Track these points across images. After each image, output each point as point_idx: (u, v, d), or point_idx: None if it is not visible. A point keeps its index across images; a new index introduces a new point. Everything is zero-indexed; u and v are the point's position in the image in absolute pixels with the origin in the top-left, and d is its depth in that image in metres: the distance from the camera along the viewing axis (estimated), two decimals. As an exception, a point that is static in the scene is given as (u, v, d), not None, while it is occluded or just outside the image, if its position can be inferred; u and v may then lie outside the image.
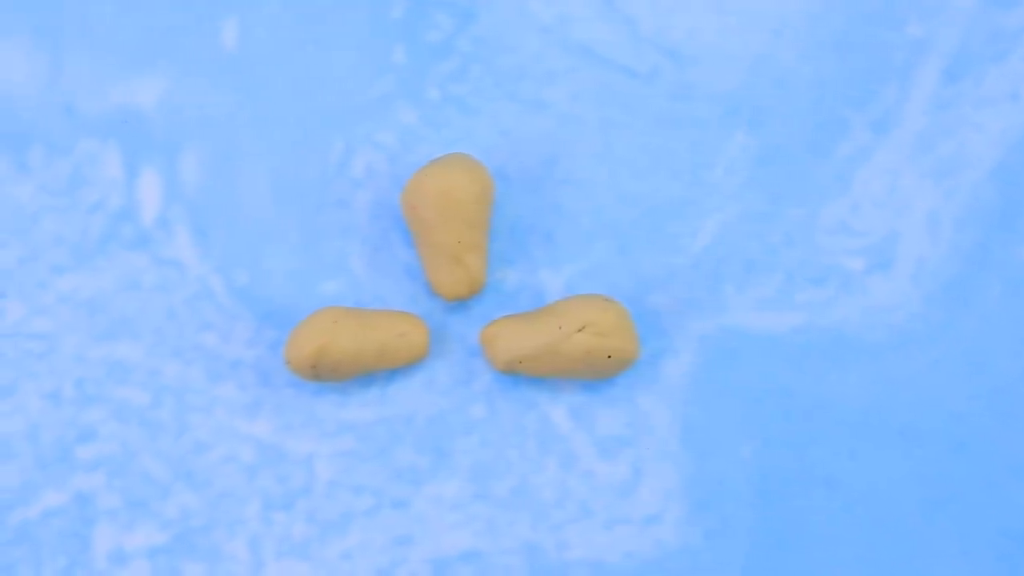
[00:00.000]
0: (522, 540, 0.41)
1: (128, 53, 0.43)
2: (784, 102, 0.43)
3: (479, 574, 0.41)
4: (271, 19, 0.43)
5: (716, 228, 0.42)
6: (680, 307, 0.42)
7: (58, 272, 0.42)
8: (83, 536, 0.41)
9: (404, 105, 0.43)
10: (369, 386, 0.42)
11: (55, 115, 0.43)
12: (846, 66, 0.43)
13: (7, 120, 0.43)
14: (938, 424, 0.41)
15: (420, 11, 0.43)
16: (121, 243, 0.42)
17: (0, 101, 0.43)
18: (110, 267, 0.42)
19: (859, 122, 0.43)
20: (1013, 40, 0.44)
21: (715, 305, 0.42)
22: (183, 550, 0.41)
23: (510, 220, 0.42)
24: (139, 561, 0.41)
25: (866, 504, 0.41)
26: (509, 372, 0.41)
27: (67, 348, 0.42)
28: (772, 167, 0.43)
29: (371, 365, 0.40)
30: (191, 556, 0.41)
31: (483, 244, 0.41)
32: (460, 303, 0.42)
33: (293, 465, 0.41)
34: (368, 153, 0.43)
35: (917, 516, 0.41)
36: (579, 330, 0.40)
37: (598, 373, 0.40)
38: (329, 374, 0.40)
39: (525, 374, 0.41)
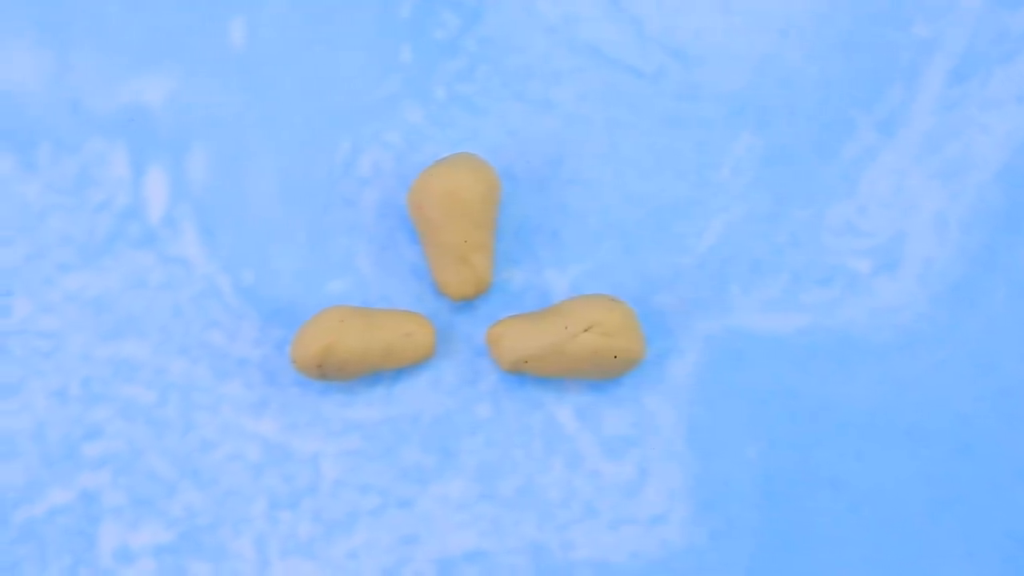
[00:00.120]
0: (528, 540, 0.41)
1: (135, 52, 0.43)
2: (790, 102, 0.43)
3: (484, 574, 0.41)
4: (278, 18, 0.43)
5: (722, 228, 0.42)
6: (686, 307, 0.42)
7: (65, 270, 0.42)
8: (89, 534, 0.41)
9: (411, 105, 0.43)
10: (375, 385, 0.42)
11: (62, 114, 0.43)
12: (852, 67, 0.43)
13: (14, 118, 0.43)
14: (944, 425, 0.41)
15: (427, 11, 0.43)
16: (128, 242, 0.42)
17: (7, 99, 0.43)
18: (117, 265, 0.42)
19: (865, 123, 0.43)
20: (1020, 41, 0.44)
21: (721, 305, 0.42)
22: (189, 548, 0.41)
23: (516, 220, 0.42)
24: (145, 559, 0.41)
25: (872, 505, 0.41)
26: (515, 372, 0.41)
27: (74, 346, 0.42)
28: (778, 167, 0.43)
29: (377, 364, 0.40)
30: (197, 554, 0.41)
31: (489, 244, 0.41)
32: (466, 303, 0.42)
33: (299, 464, 0.41)
34: (375, 152, 0.43)
35: (923, 517, 0.41)
36: (585, 330, 0.40)
37: (604, 373, 0.40)
38: (335, 373, 0.40)
39: (531, 374, 0.41)
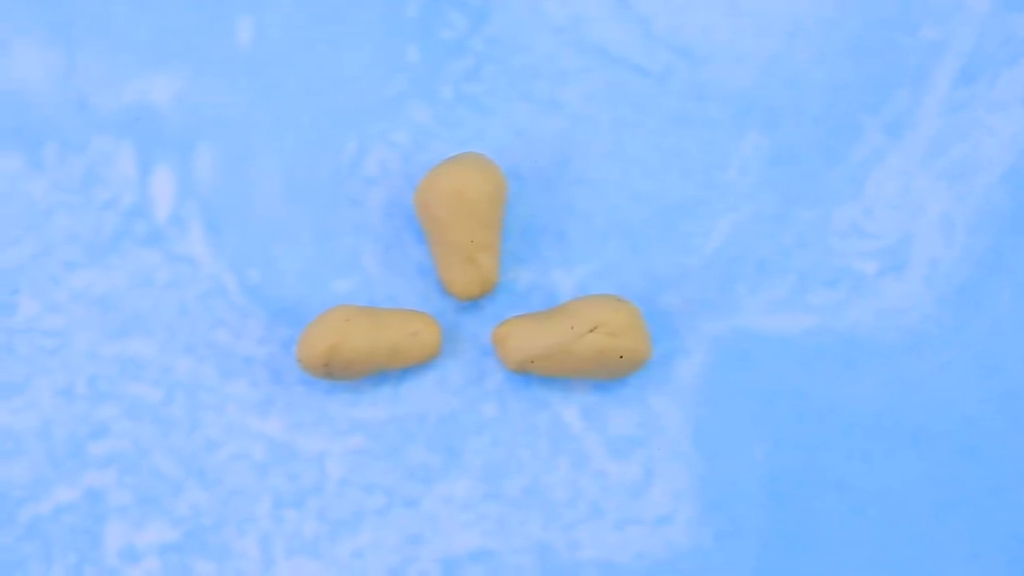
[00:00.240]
0: (533, 540, 0.41)
1: (142, 51, 0.43)
2: (798, 103, 0.43)
3: (490, 574, 0.41)
4: (286, 18, 0.43)
5: (729, 229, 0.42)
6: (692, 308, 0.42)
7: (71, 269, 0.42)
8: (94, 532, 0.41)
9: (418, 104, 0.43)
10: (381, 385, 0.42)
11: (69, 112, 0.43)
12: (860, 68, 0.43)
13: (22, 117, 0.43)
14: (950, 426, 0.41)
15: (434, 10, 0.44)
16: (134, 240, 0.42)
17: (15, 98, 0.43)
18: (123, 264, 0.42)
19: (872, 125, 0.43)
20: (1027, 43, 0.44)
21: (727, 306, 0.42)
22: (194, 547, 0.41)
23: (523, 220, 0.42)
24: (150, 558, 0.41)
25: (877, 506, 0.41)
26: (521, 372, 0.41)
27: (80, 344, 0.42)
28: (785, 168, 0.43)
29: (383, 364, 0.40)
30: (202, 553, 0.41)
31: (496, 243, 0.41)
32: (472, 302, 0.42)
33: (304, 463, 0.41)
34: (381, 152, 0.43)
35: (928, 519, 0.41)
36: (591, 330, 0.40)
37: (610, 373, 0.40)
38: (341, 372, 0.40)
39: (537, 374, 0.41)
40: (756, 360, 0.42)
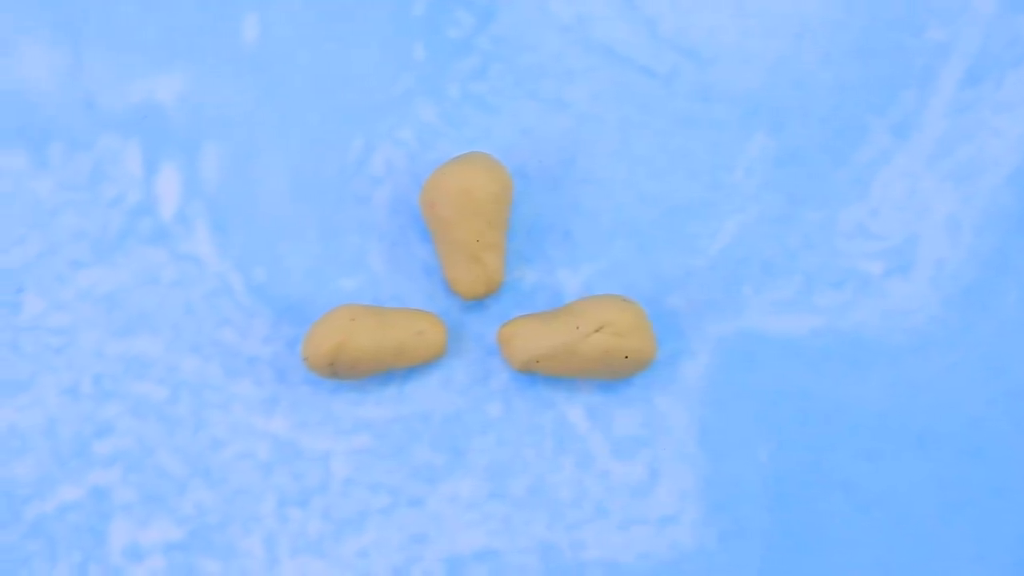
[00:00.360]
0: (537, 540, 0.41)
1: (149, 49, 0.43)
2: (804, 105, 0.43)
3: (494, 573, 0.41)
4: (292, 16, 0.43)
5: (735, 230, 0.42)
6: (698, 308, 0.42)
7: (77, 267, 0.42)
8: (99, 531, 0.41)
9: (424, 103, 0.43)
10: (386, 384, 0.42)
11: (75, 111, 0.43)
12: (866, 70, 0.43)
13: (28, 115, 0.43)
14: (956, 428, 0.41)
15: (441, 9, 0.44)
16: (140, 239, 0.42)
17: (21, 97, 0.43)
18: (129, 262, 0.42)
19: (879, 126, 0.43)
20: (1034, 45, 0.44)
21: (733, 307, 0.42)
22: (198, 546, 0.41)
23: (529, 219, 0.42)
24: (154, 557, 0.41)
25: (883, 507, 0.41)
26: (526, 371, 0.41)
27: (85, 343, 0.42)
28: (791, 169, 0.43)
29: (388, 363, 0.40)
30: (206, 552, 0.41)
31: (501, 243, 0.41)
32: (478, 302, 0.42)
33: (309, 462, 0.41)
34: (387, 150, 0.43)
35: (934, 520, 0.41)
36: (596, 330, 0.40)
37: (615, 373, 0.40)
38: (346, 372, 0.40)
39: (542, 373, 0.41)
40: (762, 361, 0.42)
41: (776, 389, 0.41)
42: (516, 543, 0.41)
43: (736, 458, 0.41)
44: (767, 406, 0.41)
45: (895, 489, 0.41)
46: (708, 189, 0.43)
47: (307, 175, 0.43)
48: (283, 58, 0.43)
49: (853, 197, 0.43)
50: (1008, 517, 0.41)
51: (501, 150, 0.43)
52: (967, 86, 0.43)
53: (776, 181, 0.43)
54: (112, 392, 0.41)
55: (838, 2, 0.44)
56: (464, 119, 0.43)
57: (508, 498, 0.41)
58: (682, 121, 0.43)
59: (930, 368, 0.42)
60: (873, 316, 0.42)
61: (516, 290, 0.42)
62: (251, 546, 0.41)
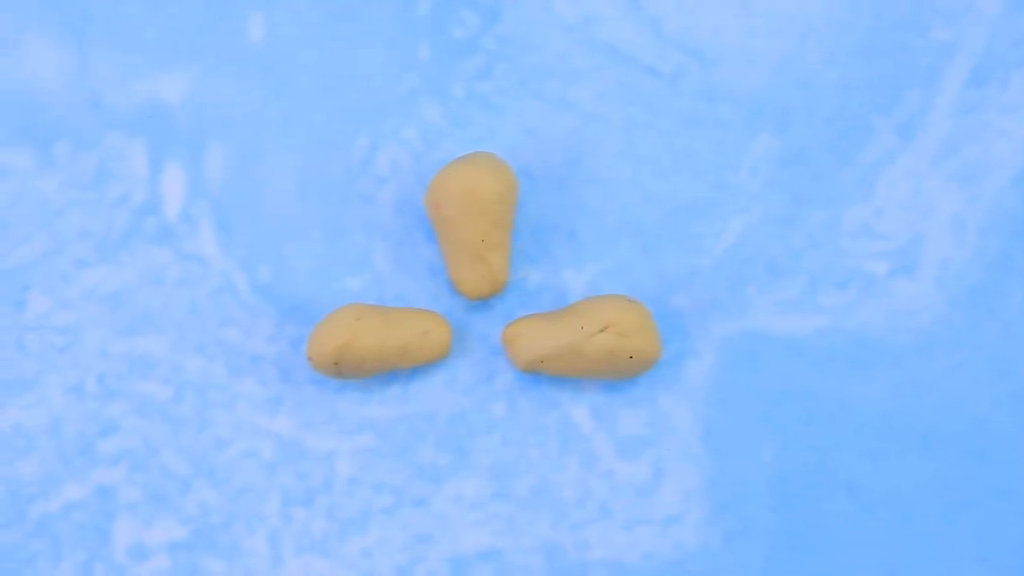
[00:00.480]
0: (542, 539, 0.41)
1: (154, 48, 0.43)
2: (809, 105, 0.43)
3: (498, 573, 0.41)
4: (297, 15, 0.43)
5: (739, 229, 0.42)
6: (702, 308, 0.42)
7: (82, 266, 0.42)
8: (103, 530, 0.41)
9: (429, 102, 0.43)
10: (390, 384, 0.42)
11: (81, 110, 0.43)
12: (871, 70, 0.43)
13: (34, 114, 0.43)
14: (960, 429, 0.41)
15: (446, 9, 0.44)
16: (145, 238, 0.42)
17: (27, 95, 0.43)
18: (134, 262, 0.42)
19: (884, 126, 0.43)
20: (1039, 45, 0.44)
21: (738, 307, 0.42)
22: (203, 545, 0.41)
23: (533, 219, 0.42)
24: (159, 556, 0.41)
25: (887, 508, 0.41)
26: (531, 371, 0.41)
27: (90, 342, 0.42)
28: (796, 169, 0.43)
29: (393, 363, 0.40)
30: (211, 551, 0.41)
31: (506, 243, 0.41)
32: (482, 302, 0.42)
33: (313, 462, 0.41)
34: (392, 150, 0.43)
35: (938, 520, 0.41)
36: (601, 330, 0.40)
37: (620, 373, 0.40)
38: (351, 371, 0.40)
39: (547, 373, 0.41)
40: (766, 361, 0.42)
41: (780, 389, 0.41)
42: (520, 543, 0.41)
43: (740, 458, 0.41)
44: (771, 406, 0.41)
45: (899, 489, 0.41)
46: (713, 189, 0.43)
47: (312, 175, 0.43)
48: (288, 58, 0.43)
49: (858, 197, 0.43)
50: (1012, 518, 0.41)
51: (506, 150, 0.43)
52: (972, 86, 0.43)
53: (781, 181, 0.43)
54: (117, 391, 0.41)
55: (843, 2, 0.44)
56: (469, 119, 0.43)
57: (512, 498, 0.41)
58: (687, 121, 0.43)
59: (934, 368, 0.42)
60: (878, 316, 0.42)
61: (521, 290, 0.42)
62: (255, 545, 0.41)
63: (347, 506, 0.41)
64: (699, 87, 0.43)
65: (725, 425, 0.41)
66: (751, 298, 0.42)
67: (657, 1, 0.44)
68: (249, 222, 0.42)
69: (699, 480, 0.41)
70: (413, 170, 0.43)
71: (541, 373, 0.41)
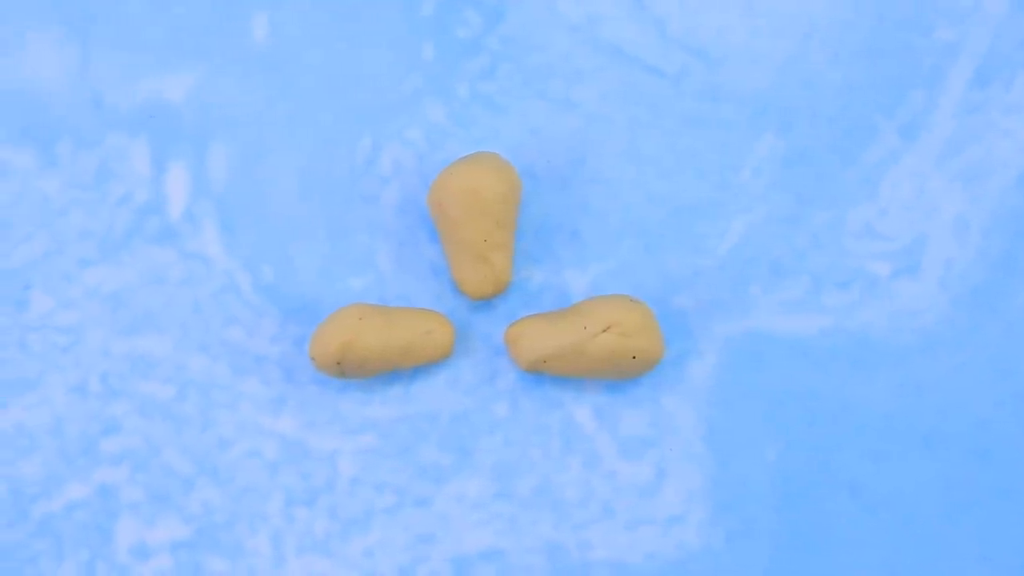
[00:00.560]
0: (544, 539, 0.41)
1: (158, 48, 0.43)
2: (813, 105, 0.43)
3: (501, 573, 0.41)
4: (301, 15, 0.43)
5: (743, 230, 0.42)
6: (705, 308, 0.42)
7: (84, 265, 0.42)
8: (106, 529, 0.41)
9: (432, 102, 0.43)
10: (393, 383, 0.42)
11: (84, 109, 0.43)
12: (875, 70, 0.43)
13: (36, 113, 0.43)
14: (963, 429, 0.41)
15: (450, 9, 0.43)
16: (148, 238, 0.42)
17: (29, 94, 0.43)
18: (136, 261, 0.42)
19: (887, 127, 0.43)
20: (1043, 45, 0.44)
21: (741, 307, 0.42)
22: (205, 545, 0.41)
23: (537, 219, 0.42)
24: (161, 555, 0.41)
25: (889, 508, 0.41)
26: (533, 371, 0.41)
27: (92, 341, 0.42)
28: (799, 169, 0.43)
29: (396, 362, 0.40)
30: (213, 551, 0.41)
31: (509, 243, 0.41)
32: (485, 302, 0.42)
33: (316, 462, 0.41)
34: (396, 150, 0.43)
35: (940, 521, 0.41)
36: (604, 330, 0.40)
37: (622, 373, 0.40)
38: (354, 371, 0.40)
39: (549, 373, 0.41)
40: (769, 361, 0.42)
41: (783, 389, 0.41)
42: (523, 543, 0.41)
43: (743, 458, 0.41)
44: (774, 406, 0.41)
45: (902, 490, 0.41)
46: (716, 189, 0.43)
47: (315, 174, 0.43)
48: (292, 58, 0.43)
49: (861, 197, 0.43)
50: (1014, 518, 0.41)
51: (509, 150, 0.43)
52: (976, 87, 0.43)
53: (784, 181, 0.43)
54: (119, 391, 0.41)
55: (847, 2, 0.44)
56: (472, 119, 0.43)
57: (515, 498, 0.41)
58: (690, 121, 0.43)
59: (937, 369, 0.42)
60: (881, 317, 0.42)
61: (523, 290, 0.42)
62: (258, 545, 0.41)
63: (349, 506, 0.41)
64: (703, 87, 0.43)
65: (728, 425, 0.41)
66: (754, 298, 0.42)
67: (661, 1, 0.44)
68: (252, 222, 0.42)
69: (702, 480, 0.41)
70: (416, 170, 0.43)
71: (544, 373, 0.41)
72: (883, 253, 0.42)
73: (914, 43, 0.43)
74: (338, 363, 0.40)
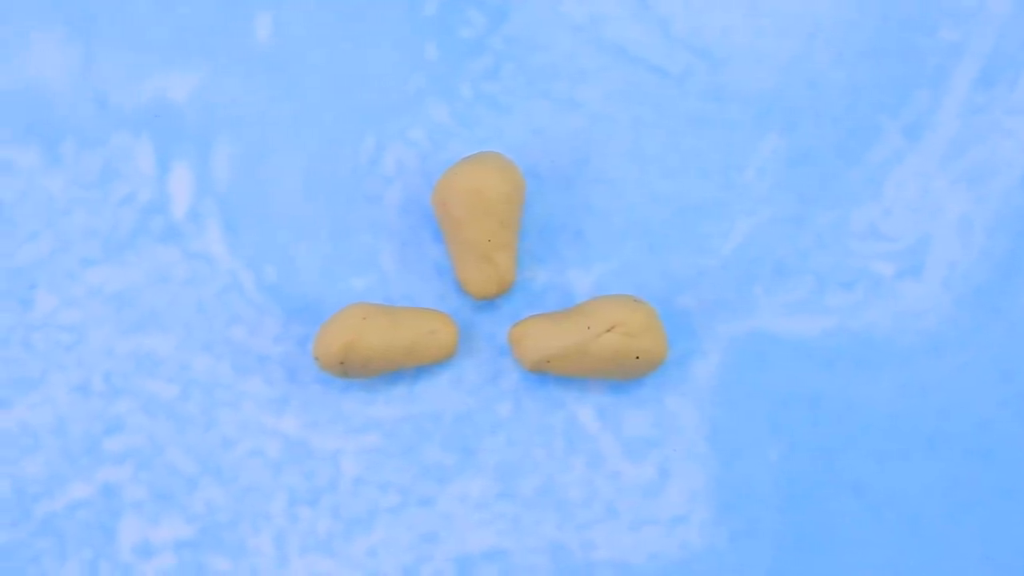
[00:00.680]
0: (547, 540, 0.41)
1: (162, 47, 0.43)
2: (817, 105, 0.43)
3: (504, 573, 0.41)
4: (305, 14, 0.43)
5: (746, 230, 0.42)
6: (709, 308, 0.42)
7: (88, 265, 0.42)
8: (109, 528, 0.41)
9: (436, 102, 0.43)
10: (396, 383, 0.42)
11: (88, 108, 0.43)
12: (879, 70, 0.43)
13: (40, 112, 0.43)
14: (966, 430, 0.41)
15: (453, 9, 0.43)
16: (152, 237, 0.42)
17: (33, 93, 0.43)
18: (140, 260, 0.42)
19: (891, 127, 0.43)
20: (1047, 46, 0.44)
21: (744, 307, 0.42)
22: (208, 544, 0.41)
23: (540, 219, 0.42)
24: (164, 554, 0.41)
25: (893, 509, 0.41)
26: (537, 371, 0.41)
27: (96, 340, 0.42)
28: (803, 170, 0.43)
29: (399, 362, 0.40)
30: (216, 550, 0.41)
31: (513, 243, 0.41)
32: (489, 302, 0.42)
33: (319, 461, 0.41)
34: (399, 150, 0.43)
35: (944, 521, 0.41)
36: (608, 330, 0.40)
37: (626, 373, 0.40)
38: (357, 370, 0.40)
39: (553, 373, 0.41)
40: (772, 361, 0.42)
41: (787, 390, 0.41)
42: (526, 543, 0.41)
43: (747, 458, 0.41)
44: (778, 406, 0.41)
45: (905, 490, 0.41)
46: (720, 189, 0.43)
47: (319, 174, 0.43)
48: (296, 57, 0.43)
49: (865, 198, 0.43)
50: (1018, 518, 0.41)
51: (513, 150, 0.43)
52: (980, 87, 0.43)
53: (788, 181, 0.43)
54: (123, 390, 0.41)
55: (851, 2, 0.44)
56: (476, 119, 0.43)
57: (518, 498, 0.41)
58: (694, 121, 0.43)
59: (941, 369, 0.42)
60: (884, 317, 0.42)
61: (527, 290, 0.42)
62: (261, 544, 0.41)
63: (353, 505, 0.41)
64: (707, 87, 0.43)
65: (731, 425, 0.41)
66: (758, 298, 0.42)
67: (665, 1, 0.44)
68: (256, 221, 0.42)
69: (705, 480, 0.41)
70: (420, 170, 0.43)
71: (547, 373, 0.41)
72: (887, 253, 0.42)
73: (918, 43, 0.43)
74: (341, 363, 0.40)
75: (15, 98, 0.43)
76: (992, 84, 0.43)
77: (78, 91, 0.43)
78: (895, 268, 0.42)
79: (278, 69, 0.43)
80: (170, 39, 0.43)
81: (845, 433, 0.41)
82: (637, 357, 0.40)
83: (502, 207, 0.40)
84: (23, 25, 0.43)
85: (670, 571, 0.41)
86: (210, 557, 0.41)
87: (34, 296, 0.42)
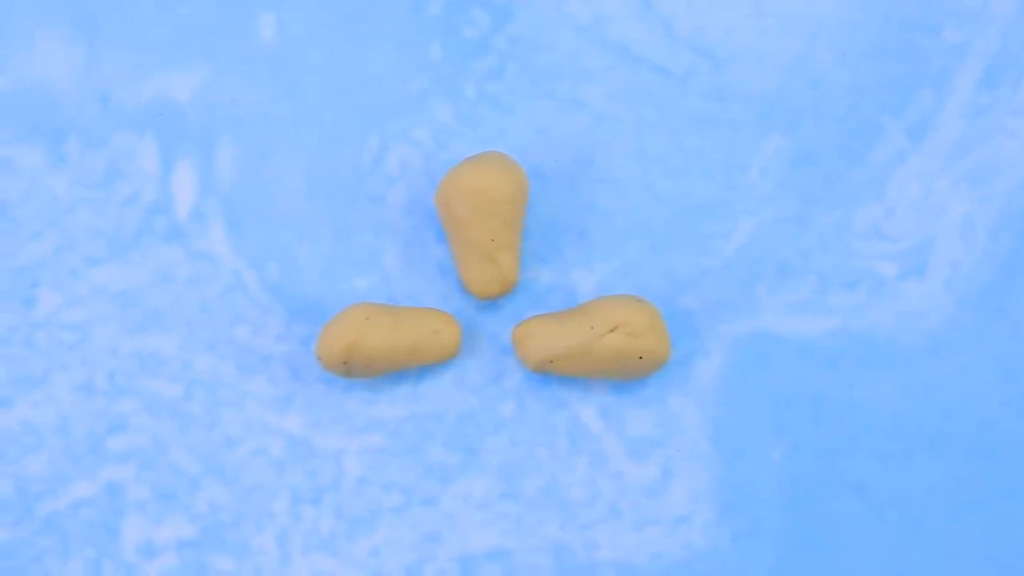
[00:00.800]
0: (550, 539, 0.41)
1: (165, 46, 0.43)
2: (820, 105, 0.43)
3: (507, 573, 0.41)
4: (308, 14, 0.43)
5: (749, 230, 0.42)
6: (712, 308, 0.42)
7: (92, 264, 0.42)
8: (112, 528, 0.41)
9: (440, 102, 0.43)
10: (400, 383, 0.42)
11: (91, 107, 0.43)
12: (882, 71, 0.43)
13: (44, 112, 0.43)
14: (969, 430, 0.41)
15: (457, 9, 0.43)
16: (155, 236, 0.42)
17: (37, 93, 0.43)
18: (144, 260, 0.42)
19: (895, 127, 0.43)
20: (1051, 46, 0.44)
21: (747, 307, 0.42)
22: (212, 543, 0.41)
23: (544, 219, 0.42)
24: (168, 554, 0.41)
25: (895, 509, 0.41)
26: (540, 371, 0.41)
27: (100, 340, 0.42)
28: (806, 170, 0.43)
29: (402, 362, 0.40)
30: (219, 549, 0.41)
31: (516, 243, 0.41)
32: (492, 302, 0.42)
33: (322, 460, 0.41)
34: (403, 150, 0.43)
35: (946, 522, 0.41)
36: (611, 330, 0.40)
37: (629, 373, 0.40)
38: (360, 370, 0.40)
39: (556, 373, 0.41)
40: (775, 361, 0.42)
41: (789, 390, 0.41)
42: (529, 543, 0.41)
43: (749, 458, 0.41)
44: (780, 407, 0.41)
45: (908, 490, 0.41)
46: (723, 189, 0.43)
47: (322, 174, 0.43)
48: (299, 57, 0.43)
49: (868, 198, 0.43)
50: (1021, 519, 0.41)
51: (517, 150, 0.43)
52: (984, 88, 0.43)
53: (791, 181, 0.43)
54: (126, 389, 0.41)
55: (854, 2, 0.44)
56: (480, 119, 0.43)
57: (521, 498, 0.41)
58: (697, 121, 0.43)
59: (944, 370, 0.42)
60: (887, 317, 0.42)
61: (531, 290, 0.42)
62: (264, 544, 0.41)
63: (356, 505, 0.41)
64: (710, 87, 0.43)
65: (734, 425, 0.41)
66: (760, 298, 0.42)
67: (668, 1, 0.44)
68: (259, 221, 0.42)
69: (708, 480, 0.41)
70: (423, 170, 0.43)
71: (550, 373, 0.41)
72: (890, 254, 0.42)
73: (922, 44, 0.43)
74: (344, 362, 0.40)
75: (19, 98, 0.43)
76: (996, 85, 0.43)
77: (82, 91, 0.43)
78: (898, 268, 0.42)
79: (282, 69, 0.43)
80: (174, 39, 0.43)
81: (848, 433, 0.41)
82: (640, 357, 0.40)
83: (505, 207, 0.40)
84: (27, 25, 0.43)
85: (673, 571, 0.41)
86: (213, 556, 0.41)
87: (37, 295, 0.42)
